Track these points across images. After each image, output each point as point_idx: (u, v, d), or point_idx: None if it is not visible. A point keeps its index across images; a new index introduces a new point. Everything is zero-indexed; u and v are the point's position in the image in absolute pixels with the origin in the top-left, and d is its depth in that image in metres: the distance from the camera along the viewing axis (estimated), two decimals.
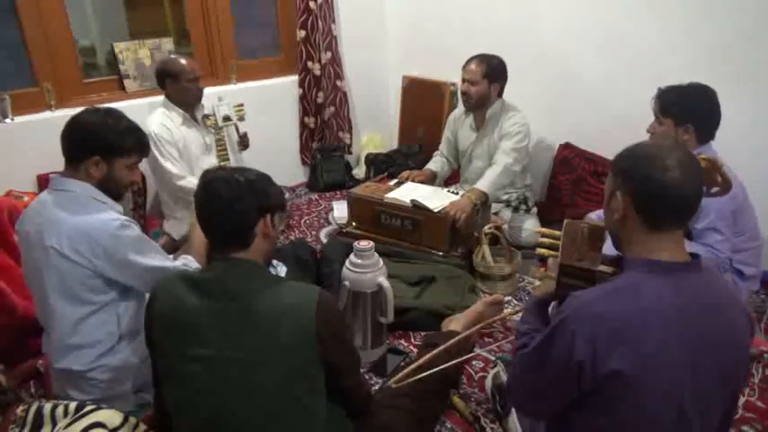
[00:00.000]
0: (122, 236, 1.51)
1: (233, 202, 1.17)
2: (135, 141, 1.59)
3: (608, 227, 1.18)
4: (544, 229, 1.48)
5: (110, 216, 1.52)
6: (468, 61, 2.71)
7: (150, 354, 1.25)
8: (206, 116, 2.78)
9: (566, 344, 1.02)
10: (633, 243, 1.10)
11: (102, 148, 1.52)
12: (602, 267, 1.24)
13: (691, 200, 1.06)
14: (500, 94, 2.76)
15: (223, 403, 1.11)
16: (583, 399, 1.05)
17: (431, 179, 2.93)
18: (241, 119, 2.86)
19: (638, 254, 1.09)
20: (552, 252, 1.39)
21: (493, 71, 2.67)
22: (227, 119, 2.78)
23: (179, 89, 2.59)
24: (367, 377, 1.93)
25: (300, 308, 1.13)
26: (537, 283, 1.43)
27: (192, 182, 2.52)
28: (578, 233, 1.33)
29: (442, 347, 1.53)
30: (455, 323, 2.01)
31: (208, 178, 1.21)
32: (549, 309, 1.39)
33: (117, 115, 1.57)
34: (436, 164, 3.04)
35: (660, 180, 1.02)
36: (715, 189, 1.43)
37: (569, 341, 1.01)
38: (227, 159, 2.81)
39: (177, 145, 2.60)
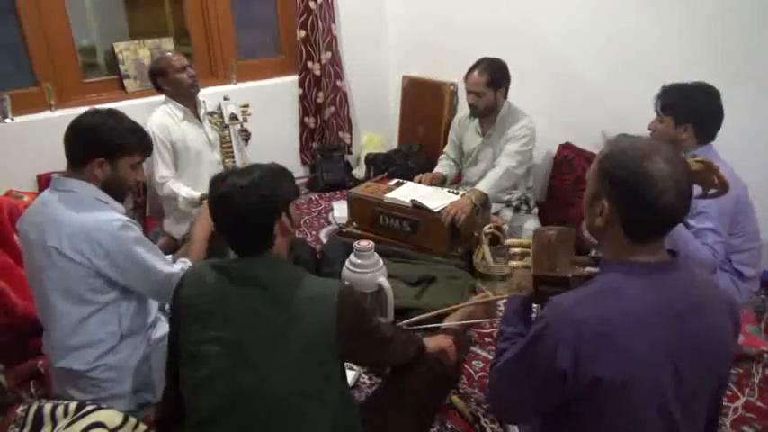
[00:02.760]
0: (123, 236, 1.51)
1: (248, 216, 1.19)
2: (138, 141, 1.59)
3: (589, 227, 1.14)
4: (514, 240, 1.49)
5: (111, 216, 1.52)
6: (470, 71, 2.66)
7: (170, 336, 1.28)
8: (211, 113, 2.79)
9: (548, 352, 1.00)
10: (613, 245, 1.08)
11: (106, 149, 1.52)
12: (577, 271, 1.24)
13: (679, 219, 1.03)
14: (506, 96, 2.75)
15: (241, 384, 1.14)
16: (570, 406, 1.04)
17: (441, 182, 2.92)
18: (245, 120, 2.86)
19: (615, 254, 1.07)
20: (523, 263, 1.40)
21: (496, 78, 2.63)
22: (233, 117, 2.78)
23: (171, 83, 2.61)
24: (366, 377, 1.93)
25: (323, 300, 1.16)
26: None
27: (169, 188, 2.57)
28: (547, 240, 1.33)
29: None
30: (447, 321, 2.02)
31: (218, 192, 1.21)
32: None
33: (119, 116, 1.58)
34: (445, 167, 3.01)
35: (654, 205, 0.98)
36: (712, 191, 1.43)
37: (551, 349, 0.99)
38: (232, 157, 2.82)
39: (176, 144, 2.61)
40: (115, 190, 1.59)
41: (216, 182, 1.23)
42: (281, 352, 1.14)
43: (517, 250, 1.44)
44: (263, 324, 1.15)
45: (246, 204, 1.18)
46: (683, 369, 0.99)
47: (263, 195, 1.19)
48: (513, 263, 1.44)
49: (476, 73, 2.64)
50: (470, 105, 2.74)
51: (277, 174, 1.26)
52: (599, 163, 1.07)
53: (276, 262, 1.24)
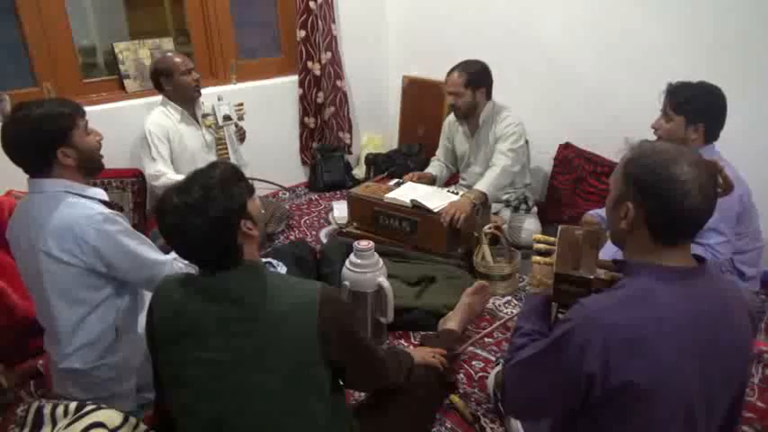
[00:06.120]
0: (108, 230, 1.50)
1: (203, 243, 1.10)
2: (67, 108, 1.52)
3: (612, 230, 1.14)
4: (540, 236, 1.47)
5: (93, 211, 1.50)
6: (449, 73, 2.70)
7: (152, 358, 1.23)
8: (205, 115, 2.78)
9: (574, 356, 0.98)
10: (640, 249, 1.07)
11: (57, 137, 1.48)
12: (599, 273, 1.22)
13: (704, 221, 1.04)
14: (489, 97, 2.75)
15: (225, 406, 1.11)
16: (592, 408, 1.03)
17: (431, 182, 2.94)
18: (240, 118, 2.86)
19: (643, 258, 1.06)
20: (546, 259, 1.38)
21: (474, 78, 2.65)
22: (227, 118, 2.78)
23: (175, 85, 2.59)
24: None
25: (303, 308, 1.10)
26: (534, 289, 1.43)
27: (171, 179, 2.48)
28: (573, 239, 1.32)
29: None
30: (450, 322, 2.02)
31: (165, 223, 1.11)
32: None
33: (33, 104, 1.49)
34: (435, 168, 3.04)
35: (680, 207, 1.00)
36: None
37: (578, 353, 0.98)
38: (228, 158, 2.82)
39: (173, 143, 2.61)
40: (91, 163, 1.56)
41: (161, 208, 1.11)
42: (263, 371, 1.09)
43: (541, 246, 1.42)
44: (242, 342, 1.09)
45: (198, 231, 1.07)
46: (710, 373, 1.00)
47: (214, 218, 1.08)
48: (536, 258, 1.42)
49: (455, 74, 2.67)
50: (451, 106, 2.77)
51: (223, 181, 1.13)
52: (624, 167, 1.07)
53: (249, 272, 1.14)
